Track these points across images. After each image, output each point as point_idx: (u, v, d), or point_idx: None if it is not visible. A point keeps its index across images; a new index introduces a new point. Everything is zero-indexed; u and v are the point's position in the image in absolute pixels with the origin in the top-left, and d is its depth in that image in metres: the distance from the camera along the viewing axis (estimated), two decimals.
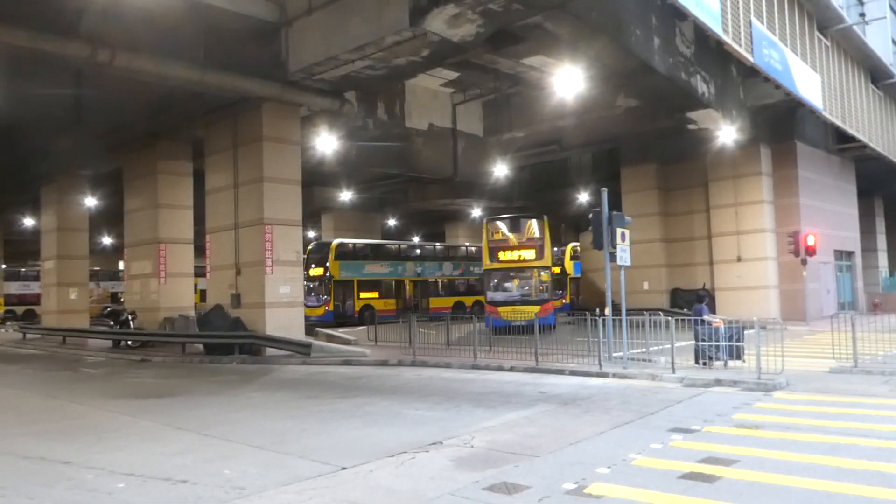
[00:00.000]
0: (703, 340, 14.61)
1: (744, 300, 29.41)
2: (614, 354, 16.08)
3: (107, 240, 56.83)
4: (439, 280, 41.21)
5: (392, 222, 52.84)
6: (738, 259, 30.12)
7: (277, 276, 20.83)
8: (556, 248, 40.88)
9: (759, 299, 29.22)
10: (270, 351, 20.41)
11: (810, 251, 27.05)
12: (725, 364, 14.55)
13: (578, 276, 41.76)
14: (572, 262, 42.89)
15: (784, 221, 30.28)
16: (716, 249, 31.03)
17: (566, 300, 41.86)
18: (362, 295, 36.25)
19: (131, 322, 26.25)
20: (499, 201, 43.63)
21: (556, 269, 37.80)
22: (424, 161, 30.47)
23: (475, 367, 16.77)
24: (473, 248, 43.81)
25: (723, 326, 14.71)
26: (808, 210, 30.78)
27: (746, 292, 29.68)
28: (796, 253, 27.13)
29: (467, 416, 10.61)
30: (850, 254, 36.14)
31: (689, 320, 16.50)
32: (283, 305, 20.89)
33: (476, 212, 48.12)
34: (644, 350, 16.38)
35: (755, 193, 29.87)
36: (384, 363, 18.35)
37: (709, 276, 31.67)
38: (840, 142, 34.05)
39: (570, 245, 44.08)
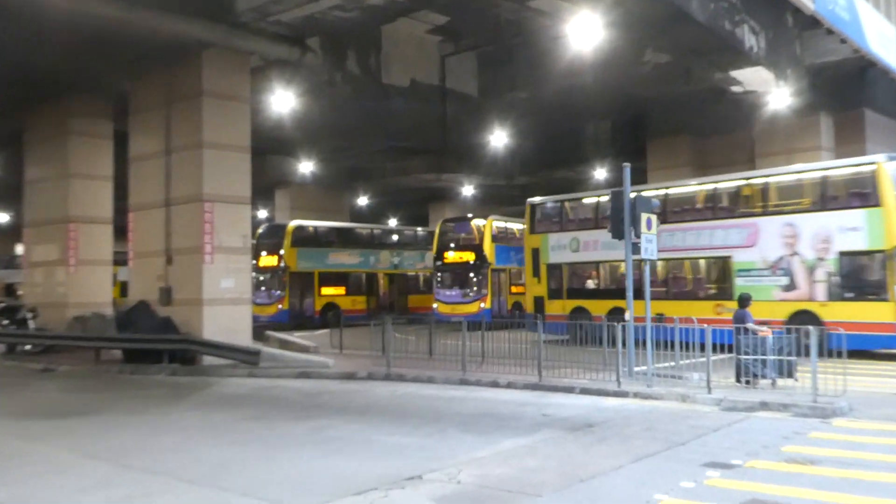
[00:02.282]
0: (747, 354, 14.65)
1: None
2: (636, 369, 16.12)
3: (1, 217, 56.30)
4: (421, 274, 41.20)
5: (364, 201, 52.70)
6: None
7: (219, 267, 20.71)
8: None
9: None
10: (209, 359, 20.30)
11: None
12: (773, 383, 14.59)
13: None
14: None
15: None
16: None
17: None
18: (325, 291, 36.23)
19: (31, 321, 26.01)
20: (496, 177, 43.59)
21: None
22: (405, 126, 30.29)
23: (464, 382, 16.82)
24: None
25: (770, 336, 14.75)
26: None
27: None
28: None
29: (453, 444, 10.58)
30: None
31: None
32: (225, 303, 20.78)
33: (468, 190, 48.10)
34: (673, 364, 16.41)
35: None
36: (351, 376, 18.33)
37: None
38: None
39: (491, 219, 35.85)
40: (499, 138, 31.73)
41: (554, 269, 27.12)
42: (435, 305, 33.51)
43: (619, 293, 22.69)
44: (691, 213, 24.21)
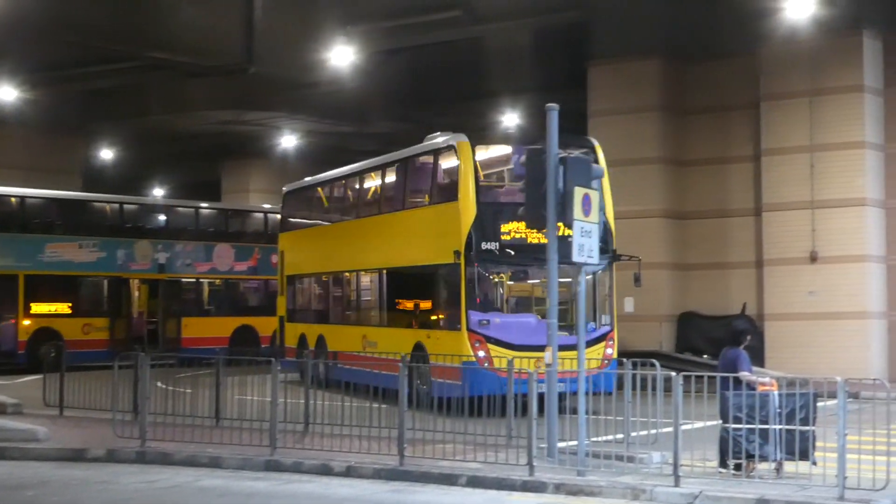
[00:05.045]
0: (738, 421, 15.05)
1: (819, 340, 30.77)
2: (560, 444, 16.33)
3: None
4: (204, 281, 41.13)
5: (108, 156, 51.70)
6: (813, 258, 31.28)
7: None
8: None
9: (847, 339, 30.53)
10: None
11: None
12: (779, 468, 15.05)
13: None
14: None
15: None
16: (769, 238, 32.12)
17: None
18: (36, 308, 35.79)
19: None
20: (338, 121, 43.49)
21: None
22: (183, 28, 29.85)
23: (274, 466, 16.81)
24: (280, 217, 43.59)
25: (775, 392, 15.19)
26: None
27: (826, 325, 30.85)
28: None
29: None
30: None
31: (712, 379, 16.95)
32: None
33: (288, 140, 47.77)
34: (619, 436, 16.76)
35: (849, 128, 31.18)
36: (79, 455, 18.06)
37: (754, 289, 32.76)
38: None
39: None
40: (342, 55, 31.64)
41: None
42: (477, 355, 24.14)
43: None
44: None
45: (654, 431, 16.82)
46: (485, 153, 26.98)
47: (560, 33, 37.37)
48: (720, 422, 15.34)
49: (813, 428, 14.97)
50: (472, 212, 24.46)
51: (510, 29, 37.15)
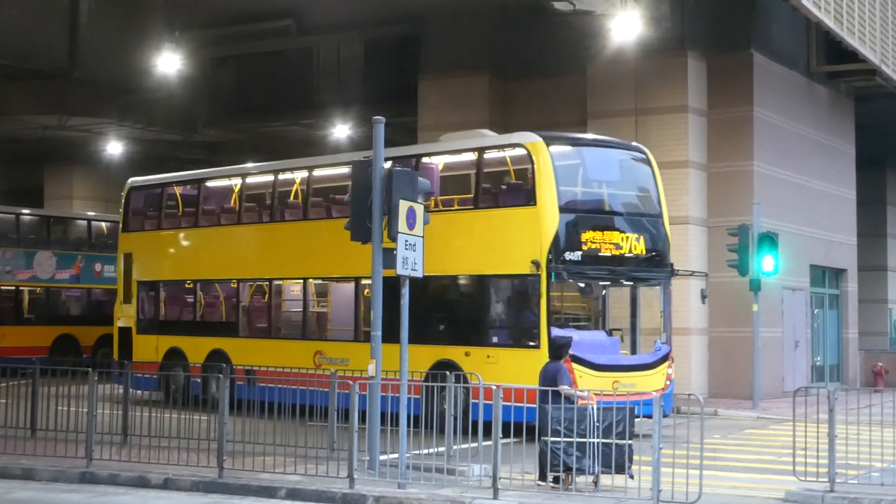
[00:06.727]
0: (558, 435, 15.24)
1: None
2: (382, 458, 16.38)
3: None
4: (24, 289, 40.48)
5: None
6: None
7: None
8: None
9: None
10: None
11: (767, 265, 29.13)
12: (596, 481, 15.26)
13: None
14: None
15: (723, 205, 32.76)
16: None
17: None
18: None
19: None
20: (165, 129, 43.00)
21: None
22: (4, 30, 29.29)
23: (89, 478, 16.57)
24: (105, 224, 42.88)
25: (594, 406, 15.45)
26: (768, 186, 33.41)
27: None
28: (742, 268, 29.14)
29: None
30: (838, 274, 39.80)
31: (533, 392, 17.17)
32: None
33: (114, 147, 47.12)
34: (442, 449, 16.93)
35: (673, 147, 31.92)
36: None
37: None
38: (833, 60, 37.13)
39: None
40: (169, 62, 31.33)
41: None
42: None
43: None
44: None
45: (475, 444, 16.97)
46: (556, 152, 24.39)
47: (391, 47, 37.75)
48: (538, 435, 15.60)
49: (630, 442, 15.28)
50: (554, 219, 23.03)
51: (341, 40, 37.29)
